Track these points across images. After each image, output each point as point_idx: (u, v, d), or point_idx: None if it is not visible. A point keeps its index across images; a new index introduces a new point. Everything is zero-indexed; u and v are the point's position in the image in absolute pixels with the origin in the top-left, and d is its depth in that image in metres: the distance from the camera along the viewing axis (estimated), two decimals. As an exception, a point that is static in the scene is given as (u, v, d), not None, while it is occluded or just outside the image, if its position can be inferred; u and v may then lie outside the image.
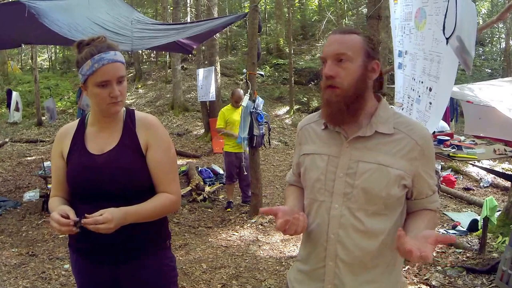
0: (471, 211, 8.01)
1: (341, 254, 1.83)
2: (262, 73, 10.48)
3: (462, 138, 5.77)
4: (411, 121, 1.90)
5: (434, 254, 5.64)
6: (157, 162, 2.22)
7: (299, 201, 2.08)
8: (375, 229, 1.80)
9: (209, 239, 6.43)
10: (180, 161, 11.78)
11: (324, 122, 1.94)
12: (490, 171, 9.06)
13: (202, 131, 15.26)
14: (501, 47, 23.32)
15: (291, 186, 2.23)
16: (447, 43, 2.82)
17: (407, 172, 1.78)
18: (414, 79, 3.70)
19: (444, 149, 5.04)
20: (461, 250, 5.70)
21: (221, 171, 9.68)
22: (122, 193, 2.14)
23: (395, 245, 1.83)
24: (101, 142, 2.23)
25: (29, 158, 12.69)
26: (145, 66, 25.03)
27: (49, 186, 7.40)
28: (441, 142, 5.18)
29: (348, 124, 1.84)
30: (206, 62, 15.14)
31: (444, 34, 2.83)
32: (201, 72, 13.01)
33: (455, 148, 5.04)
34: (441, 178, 9.44)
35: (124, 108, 2.29)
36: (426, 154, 1.81)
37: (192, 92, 18.43)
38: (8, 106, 12.17)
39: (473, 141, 5.62)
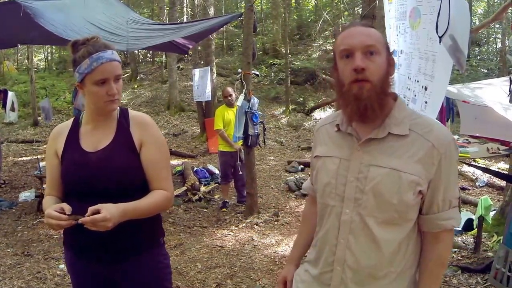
0: (467, 210, 8.02)
1: (349, 260, 1.76)
2: (257, 73, 10.48)
3: (456, 137, 5.77)
4: (430, 122, 1.78)
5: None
6: (151, 160, 2.25)
7: (307, 241, 2.14)
8: (384, 238, 1.73)
9: (204, 239, 6.43)
10: (175, 161, 11.78)
11: (337, 124, 1.87)
12: (485, 170, 9.06)
13: (198, 131, 15.26)
14: (497, 47, 23.36)
15: (307, 204, 2.25)
16: (440, 42, 2.82)
17: (422, 177, 1.68)
18: (410, 78, 3.70)
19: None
20: (456, 249, 5.72)
21: (217, 171, 9.68)
22: (116, 191, 2.16)
23: (406, 257, 1.78)
24: (95, 140, 2.26)
25: (24, 158, 12.67)
26: (142, 66, 25.00)
27: (44, 186, 7.38)
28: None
29: (363, 124, 1.77)
30: (202, 62, 15.13)
31: (437, 33, 2.83)
32: (197, 72, 13.01)
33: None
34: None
35: (118, 107, 2.31)
36: (444, 161, 1.69)
37: (188, 92, 18.40)
38: (4, 106, 12.11)
39: (467, 140, 5.63)
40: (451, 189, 1.74)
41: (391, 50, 1.81)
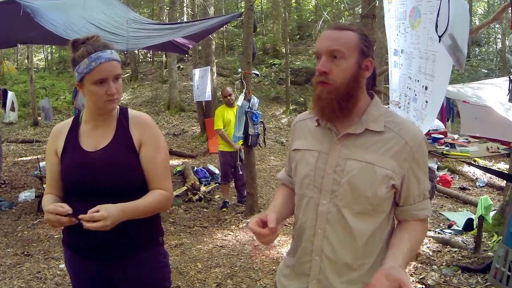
0: (467, 210, 8.03)
1: (326, 250, 1.83)
2: (257, 72, 10.46)
3: (456, 136, 5.77)
4: (402, 121, 1.87)
5: (430, 253, 5.65)
6: (150, 160, 2.25)
7: (284, 205, 2.09)
8: (359, 229, 1.79)
9: (205, 239, 6.43)
10: (176, 161, 11.79)
11: (316, 119, 1.93)
12: (486, 169, 9.08)
13: (198, 131, 15.26)
14: (497, 47, 23.36)
15: (282, 186, 2.23)
16: (439, 41, 2.83)
17: (395, 172, 1.76)
18: (411, 78, 3.71)
19: (438, 147, 5.05)
20: (456, 249, 5.72)
21: (217, 171, 9.68)
22: (115, 190, 2.17)
23: (379, 248, 1.84)
24: (95, 139, 2.26)
25: (24, 158, 12.67)
26: (142, 66, 25.00)
27: (44, 186, 7.39)
28: (435, 140, 5.19)
29: (339, 121, 1.83)
30: (202, 62, 15.13)
31: (436, 32, 2.83)
32: (197, 72, 12.99)
33: (448, 146, 5.05)
34: (438, 178, 9.46)
35: (118, 107, 2.32)
36: (417, 157, 1.78)
37: (188, 92, 18.40)
38: (4, 106, 12.11)
39: (467, 139, 5.63)
40: (423, 182, 1.84)
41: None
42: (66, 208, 2.03)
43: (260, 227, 1.82)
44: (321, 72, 1.75)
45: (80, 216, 1.97)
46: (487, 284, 4.69)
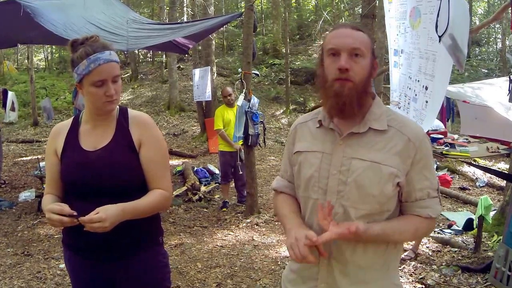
0: (467, 210, 8.02)
1: (334, 252, 1.81)
2: (257, 72, 10.45)
3: (456, 136, 5.78)
4: (403, 118, 1.89)
5: (430, 253, 5.65)
6: (150, 159, 2.25)
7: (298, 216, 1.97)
8: None
9: (205, 239, 6.43)
10: (176, 161, 11.78)
11: (319, 120, 1.92)
12: (486, 169, 9.07)
13: (198, 131, 15.25)
14: (498, 47, 23.38)
15: (281, 195, 2.11)
16: (439, 41, 2.83)
17: (400, 169, 1.76)
18: (411, 78, 3.71)
19: (438, 147, 5.05)
20: (456, 249, 5.72)
21: (217, 171, 9.67)
22: (115, 190, 2.17)
23: (387, 246, 1.84)
24: (95, 139, 2.26)
25: (25, 158, 12.66)
26: (142, 66, 24.99)
27: (44, 186, 7.38)
28: (434, 140, 5.19)
29: (347, 119, 1.83)
30: (202, 62, 15.12)
31: (437, 32, 2.83)
32: (197, 72, 12.98)
33: (448, 146, 5.05)
34: (437, 178, 9.45)
35: (118, 106, 2.32)
36: (419, 153, 1.78)
37: (188, 92, 18.40)
38: (4, 106, 12.16)
39: (466, 139, 5.63)
40: (428, 180, 1.82)
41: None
42: (68, 209, 2.03)
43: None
44: (343, 69, 1.74)
45: (80, 219, 1.98)
46: (487, 284, 4.68)
